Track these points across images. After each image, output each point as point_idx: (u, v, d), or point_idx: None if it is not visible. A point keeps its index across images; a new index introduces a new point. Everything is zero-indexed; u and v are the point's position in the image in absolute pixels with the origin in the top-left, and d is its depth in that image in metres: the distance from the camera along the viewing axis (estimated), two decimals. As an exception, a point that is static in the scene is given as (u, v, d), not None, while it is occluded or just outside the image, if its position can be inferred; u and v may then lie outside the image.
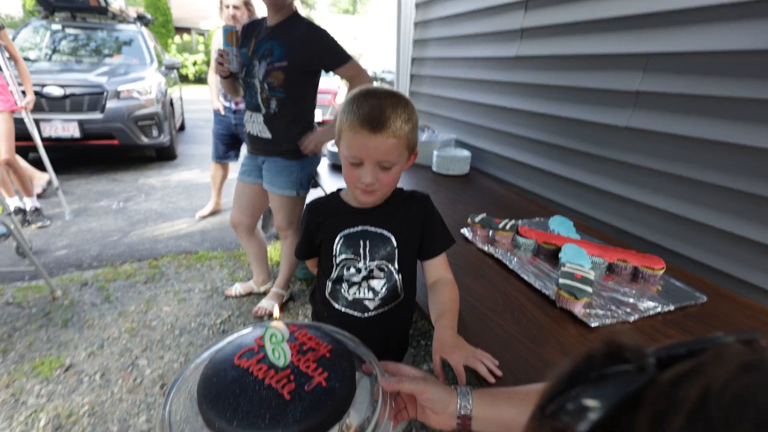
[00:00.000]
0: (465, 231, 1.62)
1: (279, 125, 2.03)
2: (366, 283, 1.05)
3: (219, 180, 3.86)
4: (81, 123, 4.59)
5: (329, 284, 1.08)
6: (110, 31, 5.91)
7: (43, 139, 3.81)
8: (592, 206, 1.94)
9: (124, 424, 1.74)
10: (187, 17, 20.84)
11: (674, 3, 1.51)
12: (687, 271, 1.42)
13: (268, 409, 0.59)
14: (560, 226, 1.58)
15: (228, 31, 1.91)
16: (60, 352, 2.11)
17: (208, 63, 3.43)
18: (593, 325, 1.08)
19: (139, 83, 4.98)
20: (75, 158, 5.58)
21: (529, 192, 2.33)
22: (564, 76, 2.02)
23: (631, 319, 1.12)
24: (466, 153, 2.55)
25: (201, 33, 20.84)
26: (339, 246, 1.03)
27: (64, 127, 4.54)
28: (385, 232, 1.02)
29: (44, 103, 4.41)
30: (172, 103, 5.90)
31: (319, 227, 1.07)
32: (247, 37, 2.02)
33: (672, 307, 1.18)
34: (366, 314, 1.06)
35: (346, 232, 1.03)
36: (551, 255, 1.43)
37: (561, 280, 1.16)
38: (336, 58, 1.97)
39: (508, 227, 1.51)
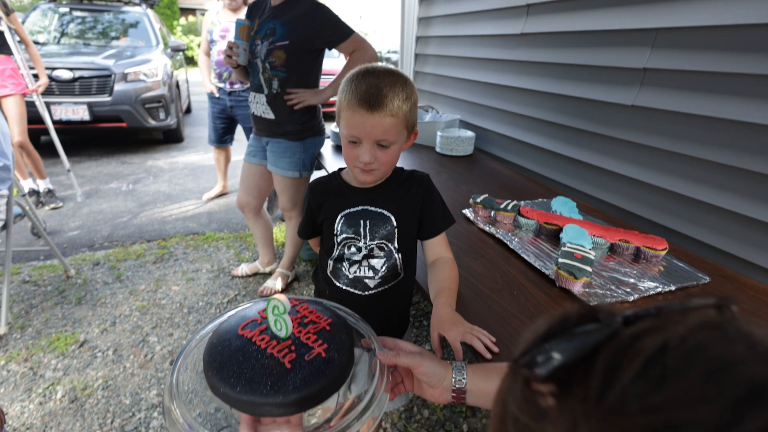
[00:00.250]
0: (467, 211, 1.64)
1: (282, 106, 2.04)
2: (366, 262, 1.07)
3: (223, 163, 3.89)
4: (90, 106, 4.63)
5: (330, 263, 1.11)
6: (116, 13, 5.90)
7: (54, 122, 3.86)
8: (596, 186, 1.94)
9: (135, 397, 1.80)
10: (192, -2, 20.66)
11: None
12: (691, 252, 1.42)
13: (270, 377, 0.62)
14: (563, 206, 1.58)
15: (240, 25, 1.92)
16: (74, 328, 2.18)
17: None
18: (592, 304, 1.10)
19: (146, 66, 4.99)
20: (85, 141, 5.64)
21: (533, 172, 2.33)
22: (570, 54, 2.00)
23: (631, 299, 1.13)
24: (470, 133, 2.54)
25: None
26: (340, 225, 1.05)
27: (74, 110, 4.58)
28: (385, 212, 1.04)
29: (54, 87, 4.44)
30: (178, 86, 5.90)
31: (320, 207, 1.08)
32: (251, 17, 2.02)
33: (673, 288, 1.18)
34: (366, 292, 1.09)
35: (347, 211, 1.05)
36: (553, 235, 1.44)
37: (560, 260, 1.17)
38: (338, 33, 1.96)
39: (509, 207, 1.52)
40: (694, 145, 1.52)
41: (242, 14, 3.19)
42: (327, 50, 2.08)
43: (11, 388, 1.81)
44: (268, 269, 2.68)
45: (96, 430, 1.66)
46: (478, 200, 1.58)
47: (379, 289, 1.09)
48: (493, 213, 1.56)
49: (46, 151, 4.26)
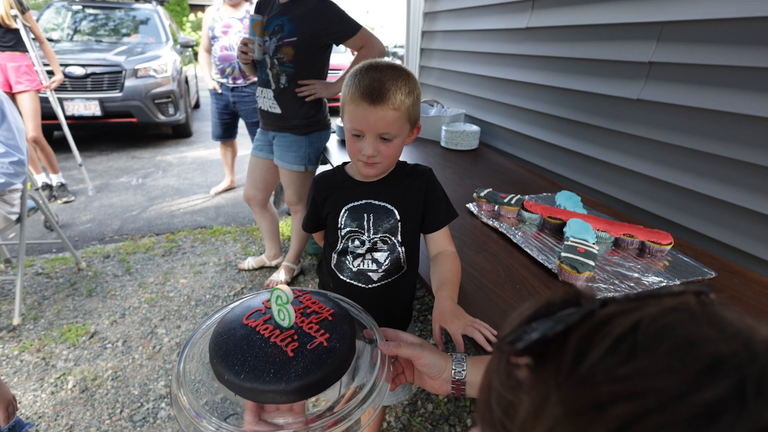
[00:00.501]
0: (471, 205, 1.64)
1: (288, 101, 2.06)
2: (370, 255, 1.08)
3: (229, 157, 3.92)
4: (101, 101, 4.69)
5: (334, 256, 1.12)
6: (127, 10, 5.96)
7: (66, 118, 3.91)
8: (601, 181, 1.93)
9: (144, 387, 1.84)
10: (201, -6, 20.69)
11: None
12: (697, 247, 1.41)
13: (273, 365, 0.63)
14: (567, 200, 1.58)
15: (255, 21, 1.93)
16: (85, 320, 2.22)
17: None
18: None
19: (156, 62, 5.04)
20: (96, 136, 5.71)
21: (538, 167, 2.33)
22: (575, 48, 1.99)
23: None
24: (475, 128, 2.54)
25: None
26: (344, 219, 1.06)
27: (86, 105, 4.65)
28: (389, 206, 1.05)
29: (66, 83, 4.50)
30: (187, 81, 5.95)
31: (325, 201, 1.10)
32: (260, 13, 2.03)
33: (677, 282, 1.18)
34: (370, 285, 1.10)
35: (351, 205, 1.06)
36: (556, 229, 1.44)
37: (563, 254, 1.18)
38: (345, 29, 1.97)
39: (513, 202, 1.52)
40: (700, 139, 1.51)
41: (242, 10, 3.21)
42: (334, 45, 2.09)
43: (24, 378, 1.85)
44: (274, 263, 2.71)
45: (105, 419, 1.69)
46: (482, 194, 1.58)
47: (383, 283, 1.10)
48: (496, 207, 1.57)
49: (59, 145, 4.32)
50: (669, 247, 1.30)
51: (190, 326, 2.20)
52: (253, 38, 1.96)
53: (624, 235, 1.35)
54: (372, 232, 1.06)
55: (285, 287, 0.69)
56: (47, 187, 3.68)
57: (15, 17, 3.16)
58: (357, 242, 1.07)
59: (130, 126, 5.04)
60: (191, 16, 19.29)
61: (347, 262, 1.10)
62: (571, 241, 1.24)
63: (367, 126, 0.93)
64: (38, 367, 1.92)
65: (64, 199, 3.66)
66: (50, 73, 3.56)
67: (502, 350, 0.28)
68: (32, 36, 3.37)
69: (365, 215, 1.05)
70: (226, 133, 3.66)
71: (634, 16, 1.68)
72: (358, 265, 1.09)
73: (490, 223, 1.51)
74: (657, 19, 1.59)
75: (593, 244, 1.25)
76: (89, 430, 1.65)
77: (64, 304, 2.33)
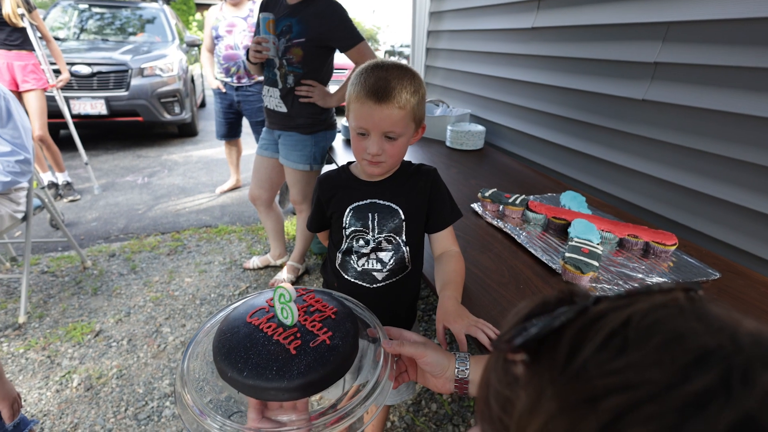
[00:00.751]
0: (475, 205, 1.64)
1: (295, 100, 2.06)
2: (374, 255, 1.08)
3: (234, 156, 3.93)
4: (107, 100, 4.71)
5: (339, 255, 1.12)
6: (134, 9, 5.99)
7: (73, 116, 3.94)
8: (606, 181, 1.93)
9: (149, 386, 1.84)
10: (207, -7, 20.75)
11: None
12: (702, 248, 1.41)
13: (275, 362, 0.63)
14: (572, 201, 1.57)
15: (267, 20, 1.94)
16: (90, 318, 2.23)
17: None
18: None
19: (162, 61, 5.06)
20: (102, 135, 5.74)
21: (543, 167, 2.32)
22: (580, 48, 1.98)
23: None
24: (480, 128, 2.53)
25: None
26: (348, 218, 1.06)
27: (92, 104, 4.67)
28: (393, 205, 1.05)
29: (73, 81, 4.52)
30: (192, 80, 5.97)
31: (329, 200, 1.10)
32: (267, 12, 2.04)
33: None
34: (374, 285, 1.10)
35: (356, 204, 1.06)
36: (561, 230, 1.44)
37: (567, 254, 1.17)
38: (347, 38, 1.98)
39: (518, 202, 1.52)
40: (705, 139, 1.50)
41: (245, 9, 3.21)
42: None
43: (29, 376, 1.87)
44: (279, 262, 2.72)
45: (110, 417, 1.70)
46: (487, 194, 1.58)
47: (387, 282, 1.10)
48: (501, 207, 1.56)
49: (65, 144, 4.34)
50: (673, 247, 1.30)
51: (194, 325, 2.21)
52: (267, 37, 1.96)
53: (628, 235, 1.35)
54: (376, 232, 1.06)
55: (288, 285, 0.69)
56: (53, 185, 3.71)
57: (22, 16, 3.19)
58: (361, 242, 1.07)
59: (136, 125, 5.07)
60: (197, 15, 19.32)
61: (352, 261, 1.10)
62: (576, 242, 1.24)
63: (372, 124, 0.93)
64: (43, 365, 1.93)
65: (70, 198, 3.69)
66: (57, 71, 3.58)
67: (499, 348, 0.29)
68: (39, 35, 3.39)
69: (370, 215, 1.05)
70: (230, 133, 3.67)
71: (639, 17, 1.67)
72: (363, 265, 1.09)
73: (495, 223, 1.51)
74: (662, 20, 1.58)
75: (597, 244, 1.25)
76: (94, 428, 1.66)
77: (70, 303, 2.35)
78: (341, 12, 1.95)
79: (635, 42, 1.71)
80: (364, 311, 0.82)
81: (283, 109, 2.10)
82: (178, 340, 2.10)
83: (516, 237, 1.40)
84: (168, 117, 5.15)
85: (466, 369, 0.75)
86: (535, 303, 0.30)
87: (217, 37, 3.27)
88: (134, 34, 5.78)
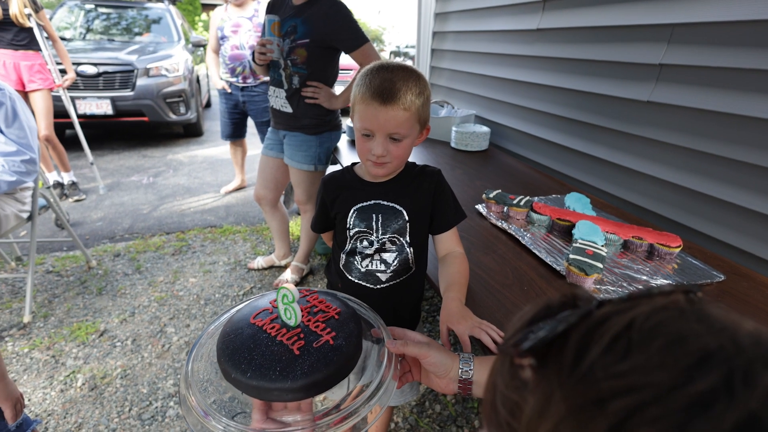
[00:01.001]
0: (480, 207, 1.64)
1: (300, 101, 2.07)
2: (378, 256, 1.08)
3: (239, 156, 3.94)
4: (113, 100, 4.74)
5: (343, 256, 1.12)
6: (140, 9, 6.02)
7: (78, 116, 3.96)
8: (611, 182, 1.92)
9: (153, 386, 1.85)
10: (213, -6, 20.81)
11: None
12: (707, 250, 1.40)
13: (279, 363, 0.64)
14: (576, 202, 1.57)
15: (272, 22, 1.95)
16: (95, 318, 2.24)
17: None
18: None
19: (168, 61, 5.08)
20: (108, 135, 5.78)
21: (547, 168, 2.32)
22: (585, 49, 1.98)
23: (642, 295, 1.12)
24: (485, 129, 2.53)
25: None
26: (352, 219, 1.06)
27: (98, 104, 4.70)
28: (397, 206, 1.05)
29: (79, 81, 4.55)
30: (198, 81, 5.99)
31: (333, 201, 1.10)
32: (273, 13, 2.05)
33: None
34: (378, 286, 1.10)
35: (360, 205, 1.06)
36: (565, 231, 1.43)
37: (572, 256, 1.17)
38: (351, 40, 1.98)
39: (522, 203, 1.52)
40: (710, 141, 1.50)
41: (249, 9, 3.22)
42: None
43: (34, 375, 1.88)
44: (283, 262, 2.72)
45: (114, 417, 1.71)
46: (491, 195, 1.58)
47: (391, 283, 1.10)
48: (505, 208, 1.56)
49: (71, 144, 4.38)
50: (678, 249, 1.29)
51: (199, 325, 2.22)
52: (272, 38, 1.97)
53: (633, 237, 1.34)
54: (380, 233, 1.06)
55: (291, 286, 0.69)
56: (59, 185, 3.73)
57: (29, 16, 3.21)
58: (365, 243, 1.07)
59: (142, 125, 5.09)
60: (203, 15, 19.39)
61: (356, 262, 1.10)
62: (580, 243, 1.24)
63: (377, 126, 0.93)
64: (48, 364, 1.94)
65: (75, 198, 3.71)
66: (63, 71, 3.60)
67: (505, 352, 0.30)
68: (45, 35, 3.41)
69: (374, 216, 1.05)
70: (235, 133, 3.68)
71: (644, 18, 1.66)
72: (367, 266, 1.09)
73: (499, 224, 1.50)
74: (668, 21, 1.58)
75: (602, 246, 1.24)
76: (98, 428, 1.67)
77: (75, 302, 2.36)
78: (346, 13, 1.96)
79: (640, 43, 1.70)
80: (367, 311, 0.82)
81: (289, 110, 2.11)
82: (182, 341, 2.11)
83: (520, 238, 1.40)
84: (173, 117, 5.17)
85: (470, 369, 0.75)
86: (539, 307, 0.30)
87: (223, 38, 3.29)
88: (140, 34, 5.81)
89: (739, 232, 1.46)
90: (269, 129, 2.35)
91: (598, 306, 0.27)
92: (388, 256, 1.08)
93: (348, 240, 1.09)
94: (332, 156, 2.33)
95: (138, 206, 3.66)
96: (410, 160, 1.09)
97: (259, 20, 3.24)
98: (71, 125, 3.72)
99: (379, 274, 1.09)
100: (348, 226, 1.07)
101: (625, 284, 1.16)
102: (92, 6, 5.79)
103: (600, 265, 1.13)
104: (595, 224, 1.35)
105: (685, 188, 1.60)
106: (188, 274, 2.67)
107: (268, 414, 0.65)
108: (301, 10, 1.94)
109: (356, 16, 2.04)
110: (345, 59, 2.14)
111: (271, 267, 2.75)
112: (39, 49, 3.37)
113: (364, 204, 1.06)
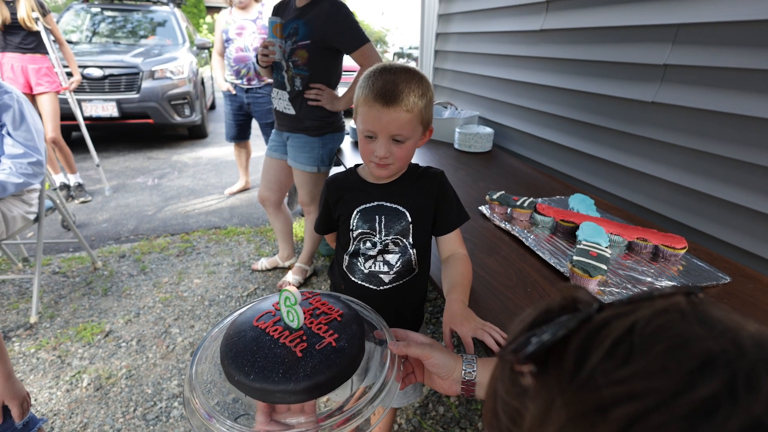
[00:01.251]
0: (483, 208, 1.63)
1: (303, 103, 2.08)
2: (381, 257, 1.08)
3: (244, 158, 3.96)
4: (119, 102, 4.77)
5: (346, 258, 1.12)
6: (145, 12, 6.06)
7: (84, 119, 3.99)
8: (615, 184, 1.91)
9: (157, 387, 1.86)
10: (218, -4, 20.92)
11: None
12: (712, 252, 1.39)
13: (282, 365, 0.64)
14: (580, 204, 1.56)
15: (275, 24, 1.96)
16: (100, 318, 2.26)
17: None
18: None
19: (173, 63, 5.11)
20: (113, 137, 5.81)
21: (551, 169, 2.31)
22: (589, 50, 1.97)
23: (647, 297, 1.11)
24: (488, 130, 2.53)
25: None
26: (356, 220, 1.07)
27: (104, 106, 4.73)
28: (400, 208, 1.05)
29: (85, 84, 4.59)
30: (203, 83, 6.03)
31: (337, 202, 1.10)
32: (278, 16, 2.06)
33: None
34: (381, 287, 1.10)
35: (363, 207, 1.06)
36: (569, 233, 1.43)
37: (575, 257, 1.17)
38: (351, 41, 1.98)
39: (525, 205, 1.51)
40: (715, 142, 1.49)
41: (253, 11, 3.24)
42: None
43: (40, 375, 1.89)
44: (287, 263, 2.73)
45: (119, 417, 1.72)
46: (495, 197, 1.58)
47: (394, 285, 1.10)
48: (509, 210, 1.56)
49: (77, 146, 4.41)
50: (683, 251, 1.28)
51: (203, 326, 2.23)
52: (274, 40, 1.98)
53: (637, 238, 1.33)
54: (383, 234, 1.06)
55: (293, 289, 0.69)
56: (65, 187, 3.76)
57: (36, 20, 3.24)
58: (369, 244, 1.07)
59: (147, 127, 5.12)
60: (208, 18, 19.49)
61: (359, 263, 1.10)
62: (584, 245, 1.23)
63: (380, 127, 0.93)
64: (54, 364, 1.95)
65: (81, 199, 3.73)
66: (69, 74, 3.63)
67: (505, 359, 0.29)
68: (53, 38, 3.44)
69: (377, 217, 1.05)
70: (240, 134, 3.70)
71: (649, 19, 1.66)
72: (370, 267, 1.09)
73: (503, 225, 1.50)
74: (672, 21, 1.57)
75: (606, 247, 1.24)
76: (103, 428, 1.68)
77: (80, 303, 2.37)
78: (346, 13, 1.96)
79: (644, 44, 1.69)
80: (370, 313, 0.82)
81: (292, 112, 2.11)
82: (186, 341, 2.12)
83: (524, 240, 1.40)
84: (178, 119, 5.20)
85: (473, 371, 0.75)
86: (539, 311, 0.30)
87: (227, 40, 3.31)
88: (145, 37, 5.85)
89: (745, 234, 1.44)
90: (273, 131, 2.35)
91: (598, 310, 0.26)
92: (392, 258, 1.08)
93: (351, 241, 1.09)
94: (335, 157, 2.34)
95: (143, 208, 3.68)
96: (413, 161, 1.09)
97: (263, 22, 3.26)
98: (77, 127, 3.75)
99: (382, 276, 1.09)
100: (351, 227, 1.07)
101: (629, 286, 1.16)
102: (98, 9, 5.84)
103: (604, 267, 1.13)
104: (599, 226, 1.34)
105: (690, 189, 1.59)
106: (193, 275, 2.68)
107: (271, 416, 0.65)
108: (303, 12, 1.95)
109: (360, 17, 2.05)
110: (348, 61, 2.14)
111: (275, 268, 2.75)
112: (46, 53, 3.40)
113: (368, 205, 1.06)
